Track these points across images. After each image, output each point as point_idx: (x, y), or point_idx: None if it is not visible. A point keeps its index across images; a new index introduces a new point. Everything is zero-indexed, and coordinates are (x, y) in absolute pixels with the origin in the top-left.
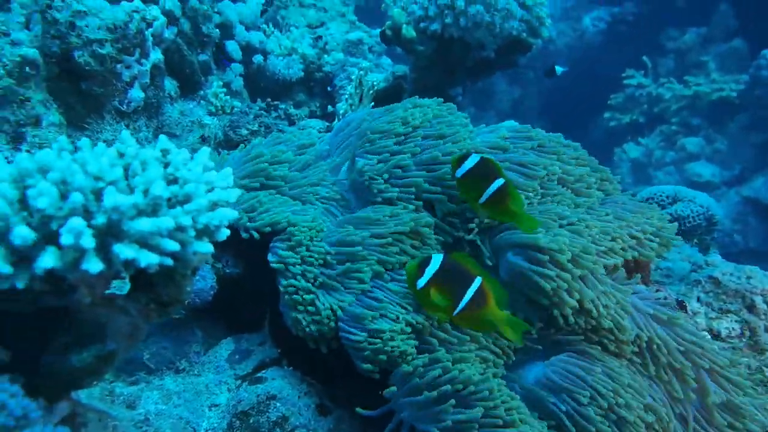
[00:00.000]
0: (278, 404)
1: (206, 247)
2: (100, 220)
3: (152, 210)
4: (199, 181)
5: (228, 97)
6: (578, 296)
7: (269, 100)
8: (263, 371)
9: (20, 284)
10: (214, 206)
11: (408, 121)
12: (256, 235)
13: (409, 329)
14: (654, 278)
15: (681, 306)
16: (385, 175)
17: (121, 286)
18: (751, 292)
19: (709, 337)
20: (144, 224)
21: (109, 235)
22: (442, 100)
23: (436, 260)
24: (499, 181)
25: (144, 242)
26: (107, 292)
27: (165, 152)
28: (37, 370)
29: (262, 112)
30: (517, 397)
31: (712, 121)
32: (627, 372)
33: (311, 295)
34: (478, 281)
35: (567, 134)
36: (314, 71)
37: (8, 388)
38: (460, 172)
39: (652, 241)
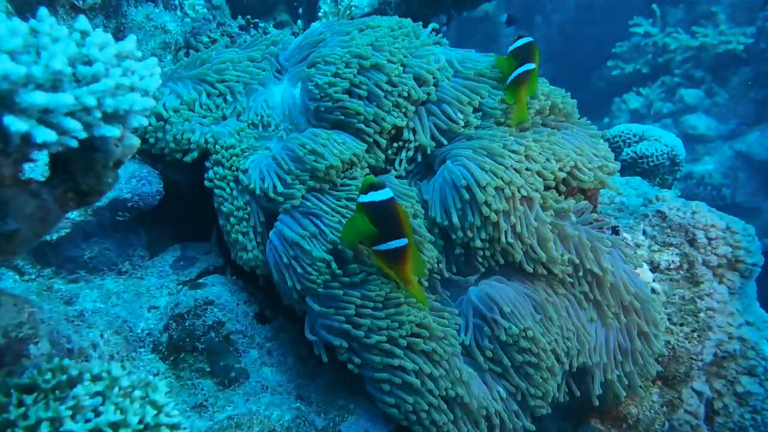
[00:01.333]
0: (215, 309)
1: (114, 131)
2: None
3: (52, 86)
4: (111, 63)
5: (206, 10)
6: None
7: (249, 17)
8: (205, 278)
9: None
10: (126, 90)
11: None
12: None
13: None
14: (607, 211)
15: (614, 231)
16: (328, 102)
17: (33, 168)
18: (694, 226)
19: (648, 268)
20: (38, 97)
21: (3, 107)
22: (396, 20)
23: (386, 194)
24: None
25: (42, 119)
26: (23, 177)
27: (84, 34)
28: None
29: (225, 20)
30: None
31: (715, 75)
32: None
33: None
34: (404, 242)
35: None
36: None
37: None
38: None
39: (591, 170)
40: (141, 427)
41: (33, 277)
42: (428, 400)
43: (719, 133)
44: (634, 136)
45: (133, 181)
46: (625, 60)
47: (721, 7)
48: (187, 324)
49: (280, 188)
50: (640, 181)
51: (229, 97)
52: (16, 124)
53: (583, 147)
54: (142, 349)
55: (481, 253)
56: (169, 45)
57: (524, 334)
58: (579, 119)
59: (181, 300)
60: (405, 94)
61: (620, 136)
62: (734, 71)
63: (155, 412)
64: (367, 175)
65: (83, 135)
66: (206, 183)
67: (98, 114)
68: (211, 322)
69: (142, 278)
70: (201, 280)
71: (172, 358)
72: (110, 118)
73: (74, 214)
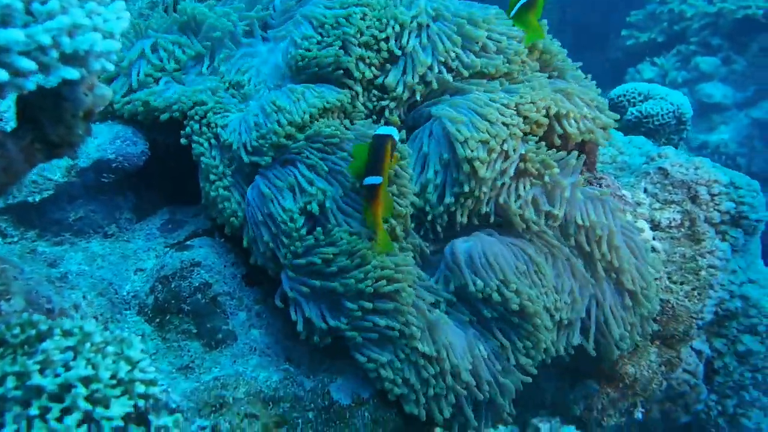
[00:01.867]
0: (202, 271)
1: (73, 72)
2: None
3: (2, 22)
4: (71, 3)
5: None
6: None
7: None
8: (192, 240)
9: None
10: (86, 30)
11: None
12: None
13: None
14: (608, 171)
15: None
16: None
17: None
18: (697, 182)
19: (648, 227)
20: None
21: None
22: None
23: (387, 130)
24: None
25: None
26: None
27: None
28: None
29: None
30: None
31: (733, 42)
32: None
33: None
34: (378, 179)
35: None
36: None
37: None
38: None
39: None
40: (113, 382)
41: (15, 239)
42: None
43: (736, 101)
44: (639, 95)
45: (118, 142)
46: (640, 29)
47: None
48: (173, 285)
49: (253, 144)
50: (643, 140)
51: (212, 53)
52: None
53: (572, 95)
54: (128, 312)
55: (461, 210)
56: (157, 4)
57: (505, 288)
58: (574, 72)
59: (167, 262)
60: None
61: (625, 96)
62: (753, 37)
63: (129, 367)
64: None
65: (38, 76)
66: (182, 140)
67: (55, 54)
68: (197, 284)
69: (128, 241)
70: (188, 242)
71: (157, 320)
72: (70, 59)
73: (57, 175)
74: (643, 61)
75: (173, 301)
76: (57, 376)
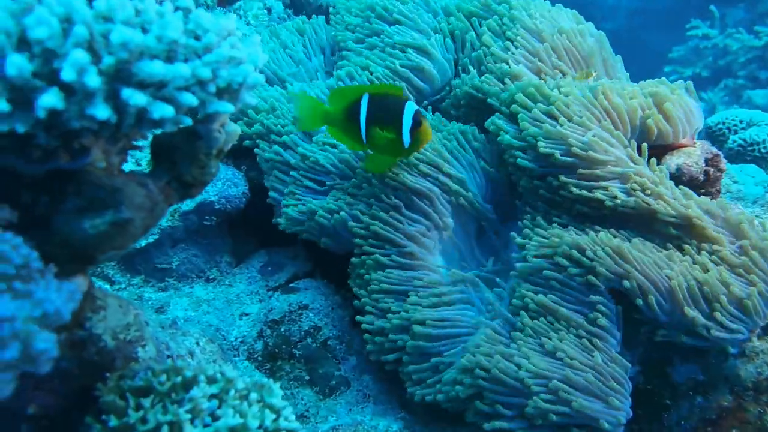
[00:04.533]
0: (311, 314)
1: (227, 107)
2: (108, 60)
3: (167, 57)
4: (221, 35)
5: (267, 18)
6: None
7: None
8: (296, 282)
9: (21, 127)
10: (238, 63)
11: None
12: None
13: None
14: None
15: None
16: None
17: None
18: None
19: None
20: (156, 68)
21: (118, 80)
22: None
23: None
24: None
25: (157, 93)
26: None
27: (186, 11)
28: (48, 237)
29: (286, 14)
30: None
31: None
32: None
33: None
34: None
35: None
36: None
37: (10, 239)
38: None
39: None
40: (261, 431)
41: (123, 286)
42: None
43: None
44: (741, 122)
45: (219, 183)
46: (683, 64)
47: None
48: (282, 330)
49: None
50: (756, 168)
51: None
52: (135, 98)
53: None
54: (237, 358)
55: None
56: None
57: None
58: None
59: (274, 305)
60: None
61: (724, 123)
62: None
63: (274, 416)
64: None
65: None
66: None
67: (212, 88)
68: (307, 328)
69: (231, 285)
70: (293, 285)
71: (268, 365)
72: (223, 93)
73: (162, 220)
74: None
75: (284, 346)
76: (206, 426)
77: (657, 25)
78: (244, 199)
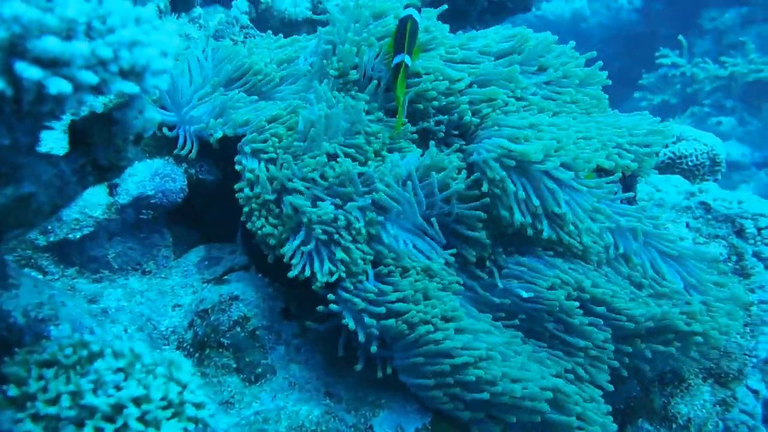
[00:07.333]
0: (240, 305)
1: (131, 87)
2: (1, 34)
3: (65, 36)
4: (128, 20)
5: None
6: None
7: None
8: (229, 275)
9: None
10: (143, 46)
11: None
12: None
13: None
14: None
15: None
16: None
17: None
18: (742, 216)
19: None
20: (51, 43)
21: (14, 54)
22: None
23: (406, 11)
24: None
25: (55, 69)
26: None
27: None
28: None
29: (250, 24)
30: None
31: (746, 104)
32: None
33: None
34: (400, 57)
35: None
36: (321, 12)
37: None
38: None
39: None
40: (164, 403)
41: (56, 276)
42: None
43: (754, 160)
44: (672, 136)
45: (157, 179)
46: (653, 91)
47: (750, 37)
48: (212, 319)
49: None
50: (680, 179)
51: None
52: (29, 71)
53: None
54: (167, 347)
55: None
56: None
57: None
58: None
59: (205, 296)
60: None
61: None
62: (766, 99)
63: (179, 389)
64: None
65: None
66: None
67: (114, 68)
68: (236, 317)
69: (166, 278)
70: (226, 277)
71: (197, 354)
72: (128, 74)
73: (98, 212)
74: None
75: (212, 335)
76: (109, 396)
77: (630, 53)
78: (181, 195)
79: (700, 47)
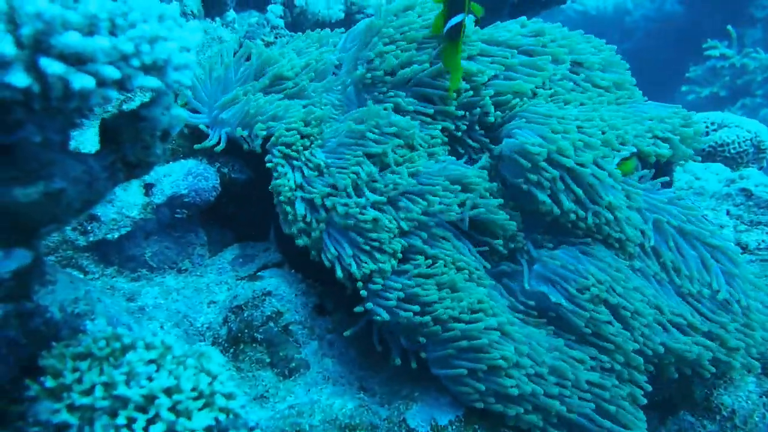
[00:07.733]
0: (273, 300)
1: (153, 81)
2: (26, 31)
3: (88, 31)
4: (150, 15)
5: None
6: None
7: None
8: (263, 271)
9: None
10: (164, 41)
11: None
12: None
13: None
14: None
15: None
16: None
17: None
18: None
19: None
20: (72, 38)
21: (39, 51)
22: None
23: None
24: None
25: (79, 66)
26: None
27: None
28: None
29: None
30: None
31: None
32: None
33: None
34: (460, 17)
35: None
36: (355, 13)
37: None
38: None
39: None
40: (195, 394)
41: (96, 276)
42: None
43: None
44: (713, 124)
45: (190, 178)
46: (701, 84)
47: None
48: (245, 315)
49: None
50: (721, 167)
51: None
52: (53, 66)
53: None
54: (202, 342)
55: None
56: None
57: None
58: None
59: (239, 292)
60: None
61: None
62: None
63: (209, 380)
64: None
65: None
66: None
67: (136, 62)
68: (269, 313)
69: (201, 276)
70: (259, 273)
71: (232, 350)
72: (150, 69)
73: (134, 212)
74: None
75: (246, 330)
76: (142, 387)
77: (675, 46)
78: (214, 193)
79: (750, 37)
